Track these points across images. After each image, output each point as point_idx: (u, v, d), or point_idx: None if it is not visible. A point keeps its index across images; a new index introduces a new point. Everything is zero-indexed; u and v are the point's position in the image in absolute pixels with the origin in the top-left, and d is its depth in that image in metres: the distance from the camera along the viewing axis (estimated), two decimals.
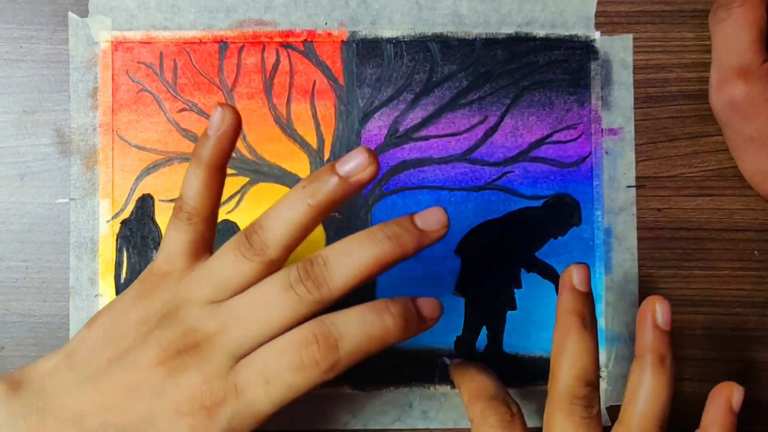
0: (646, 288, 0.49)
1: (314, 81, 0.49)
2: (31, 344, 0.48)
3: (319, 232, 0.49)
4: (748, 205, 0.50)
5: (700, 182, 0.50)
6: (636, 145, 0.49)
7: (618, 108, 0.49)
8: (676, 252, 0.49)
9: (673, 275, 0.49)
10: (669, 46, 0.50)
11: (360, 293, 0.48)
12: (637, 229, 0.49)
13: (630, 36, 0.50)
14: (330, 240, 0.49)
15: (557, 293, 0.49)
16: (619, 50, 0.49)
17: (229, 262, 0.38)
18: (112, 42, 0.48)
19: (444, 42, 0.49)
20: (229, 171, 0.48)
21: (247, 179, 0.49)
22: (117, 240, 0.48)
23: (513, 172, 0.49)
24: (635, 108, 0.49)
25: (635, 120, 0.49)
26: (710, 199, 0.50)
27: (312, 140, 0.49)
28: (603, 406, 0.49)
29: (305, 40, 0.49)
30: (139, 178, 0.48)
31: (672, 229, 0.49)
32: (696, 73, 0.50)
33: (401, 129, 0.49)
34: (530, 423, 0.49)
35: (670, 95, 0.50)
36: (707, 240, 0.50)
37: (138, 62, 0.48)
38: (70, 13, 0.48)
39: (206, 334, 0.37)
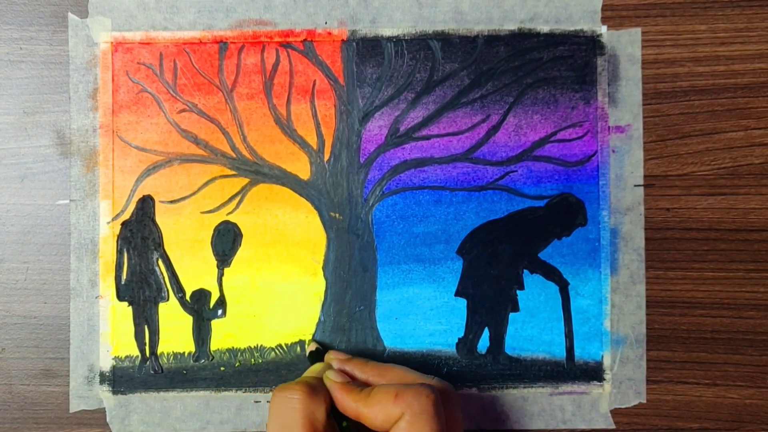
0: (653, 290, 0.48)
1: (314, 81, 0.48)
2: (32, 346, 0.48)
3: (320, 233, 0.48)
4: (763, 204, 0.48)
5: (712, 181, 0.48)
6: (644, 142, 0.48)
7: (626, 105, 0.48)
8: (686, 253, 0.48)
9: (682, 276, 0.48)
10: (680, 39, 0.48)
11: (360, 294, 0.48)
12: (645, 229, 0.48)
13: (638, 30, 0.48)
14: (330, 241, 0.48)
15: (560, 295, 0.48)
16: (626, 45, 0.48)
17: None
18: (111, 43, 0.48)
19: (445, 40, 0.48)
20: (229, 172, 0.48)
21: (247, 180, 0.48)
22: (117, 241, 0.48)
23: (516, 171, 0.48)
24: (644, 104, 0.48)
25: (644, 117, 0.48)
26: (723, 198, 0.48)
27: (312, 140, 0.48)
28: (607, 410, 0.48)
29: (305, 40, 0.48)
30: (139, 180, 0.48)
31: (682, 229, 0.48)
32: (709, 68, 0.48)
33: (402, 128, 0.48)
34: (531, 424, 0.48)
35: (681, 90, 0.48)
36: (719, 241, 0.48)
37: (138, 63, 0.48)
38: (69, 14, 0.48)
39: None
